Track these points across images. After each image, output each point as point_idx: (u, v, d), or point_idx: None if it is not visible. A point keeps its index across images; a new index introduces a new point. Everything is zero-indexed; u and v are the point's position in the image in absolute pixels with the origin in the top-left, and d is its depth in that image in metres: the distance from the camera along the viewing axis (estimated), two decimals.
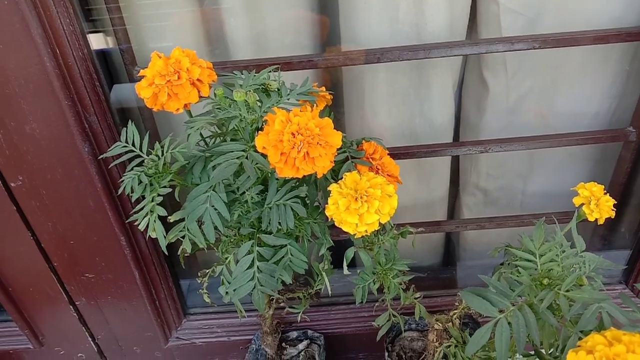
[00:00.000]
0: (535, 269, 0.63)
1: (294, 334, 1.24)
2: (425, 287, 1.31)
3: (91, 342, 1.29)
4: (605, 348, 0.49)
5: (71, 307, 1.20)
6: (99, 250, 1.10)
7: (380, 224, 0.69)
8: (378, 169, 0.84)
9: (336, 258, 0.91)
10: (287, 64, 0.97)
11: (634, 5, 1.03)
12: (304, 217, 0.78)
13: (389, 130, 1.19)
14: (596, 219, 0.80)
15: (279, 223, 0.74)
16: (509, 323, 0.59)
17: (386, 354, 1.13)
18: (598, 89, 1.16)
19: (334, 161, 0.75)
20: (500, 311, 0.60)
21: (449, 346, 0.89)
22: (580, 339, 0.58)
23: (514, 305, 0.59)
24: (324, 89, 0.87)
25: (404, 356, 1.14)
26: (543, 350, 0.69)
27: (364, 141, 0.86)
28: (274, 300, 1.04)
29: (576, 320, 0.59)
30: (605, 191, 0.83)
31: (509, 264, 0.89)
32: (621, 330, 0.52)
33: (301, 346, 1.21)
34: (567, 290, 0.58)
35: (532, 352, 0.73)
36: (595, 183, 0.84)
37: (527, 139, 1.10)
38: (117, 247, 1.08)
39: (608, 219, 0.80)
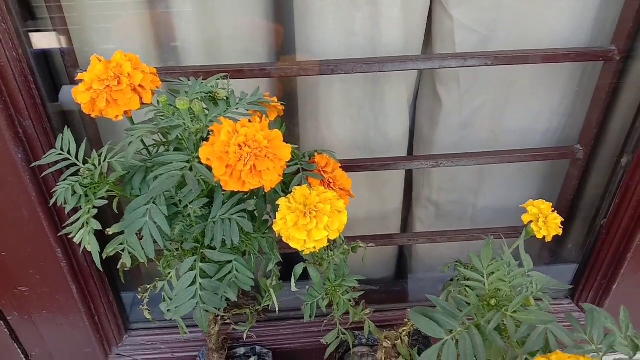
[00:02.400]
0: (483, 289, 0.62)
1: (241, 350, 1.20)
2: (377, 301, 1.31)
3: None
4: None
5: (2, 322, 1.12)
6: (34, 263, 1.03)
7: (329, 240, 0.67)
8: (330, 182, 0.82)
9: (285, 270, 0.88)
10: (238, 72, 0.94)
11: (582, 26, 1.06)
12: (251, 232, 0.75)
13: (343, 143, 1.18)
14: (544, 237, 0.81)
15: (224, 238, 0.70)
16: (456, 344, 0.58)
17: None
18: (548, 107, 1.18)
19: (285, 173, 0.73)
20: (450, 331, 0.59)
21: None
22: None
23: (462, 325, 0.58)
24: (275, 99, 0.84)
25: None
26: None
27: (316, 153, 0.84)
28: (220, 317, 1.00)
29: (523, 342, 0.58)
30: (553, 208, 0.84)
31: (458, 280, 0.88)
32: (565, 353, 0.51)
33: None
34: (515, 312, 0.57)
35: None
36: (544, 201, 0.85)
37: (477, 154, 1.11)
38: (53, 259, 1.01)
39: (556, 236, 0.81)
